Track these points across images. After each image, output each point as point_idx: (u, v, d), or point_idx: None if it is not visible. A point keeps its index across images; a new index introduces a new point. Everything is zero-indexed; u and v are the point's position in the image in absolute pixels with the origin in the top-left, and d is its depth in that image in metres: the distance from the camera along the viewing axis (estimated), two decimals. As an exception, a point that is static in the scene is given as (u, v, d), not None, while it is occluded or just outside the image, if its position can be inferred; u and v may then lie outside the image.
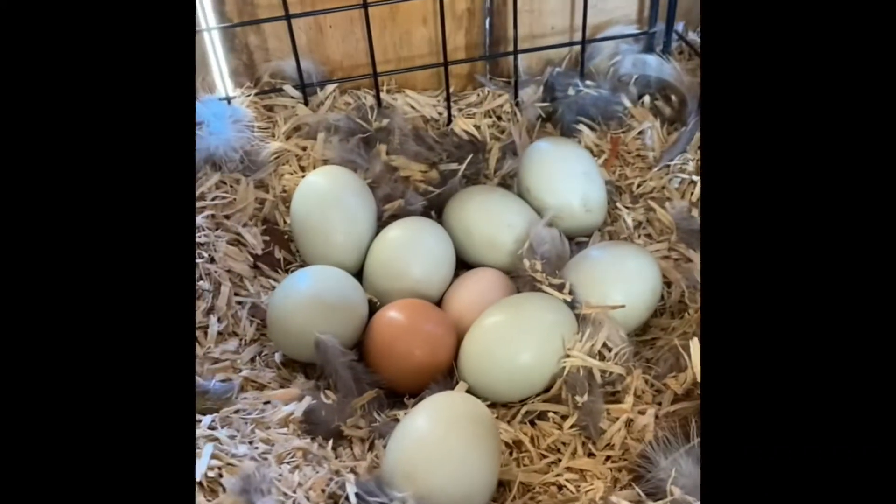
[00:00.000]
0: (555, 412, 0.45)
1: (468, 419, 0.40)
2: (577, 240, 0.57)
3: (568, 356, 0.45)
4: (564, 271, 0.50)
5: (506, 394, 0.46)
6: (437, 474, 0.37)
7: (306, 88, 0.60)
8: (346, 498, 0.36)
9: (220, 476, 0.36)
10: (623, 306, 0.47)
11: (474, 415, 0.40)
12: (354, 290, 0.50)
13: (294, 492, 0.36)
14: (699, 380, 0.44)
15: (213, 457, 0.37)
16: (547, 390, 0.46)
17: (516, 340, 0.46)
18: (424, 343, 0.46)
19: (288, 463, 0.39)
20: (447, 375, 0.47)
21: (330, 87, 0.62)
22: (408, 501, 0.35)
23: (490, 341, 0.46)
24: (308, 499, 0.36)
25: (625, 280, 0.49)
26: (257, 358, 0.49)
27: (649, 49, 0.66)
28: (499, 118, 0.65)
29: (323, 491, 0.37)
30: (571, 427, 0.44)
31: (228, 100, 0.59)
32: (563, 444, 0.44)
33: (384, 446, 0.41)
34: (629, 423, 0.44)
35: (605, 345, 0.46)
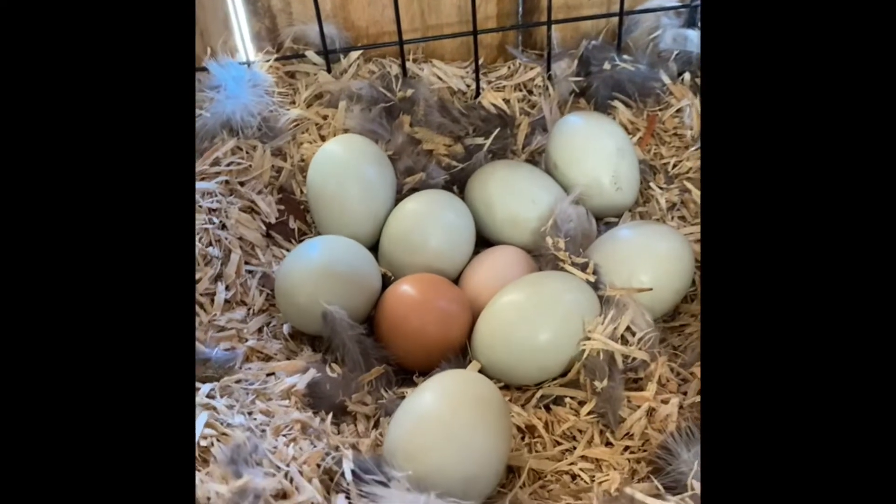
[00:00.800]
0: (572, 397, 0.43)
1: (476, 400, 0.37)
2: (606, 219, 0.54)
3: (588, 339, 0.42)
4: (590, 251, 0.48)
5: (521, 376, 0.44)
6: (439, 455, 0.35)
7: (329, 55, 0.58)
8: (342, 475, 0.34)
9: (212, 445, 0.34)
10: (650, 290, 0.44)
11: (483, 395, 0.38)
12: (367, 262, 0.48)
13: (287, 465, 0.34)
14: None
15: (208, 426, 0.35)
16: (564, 374, 0.44)
17: (533, 320, 0.43)
18: (437, 320, 0.44)
19: (285, 436, 0.37)
20: (460, 354, 0.44)
21: (354, 55, 0.59)
22: (405, 481, 0.33)
23: (506, 320, 0.43)
24: (301, 473, 0.34)
25: (654, 262, 0.46)
26: (265, 328, 0.47)
27: (691, 23, 0.63)
28: (530, 92, 0.62)
29: (318, 466, 0.35)
30: (589, 414, 0.42)
31: (248, 64, 0.57)
32: (580, 431, 0.42)
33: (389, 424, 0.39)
34: (651, 412, 0.41)
35: (628, 329, 0.43)
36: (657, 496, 0.34)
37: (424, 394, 0.38)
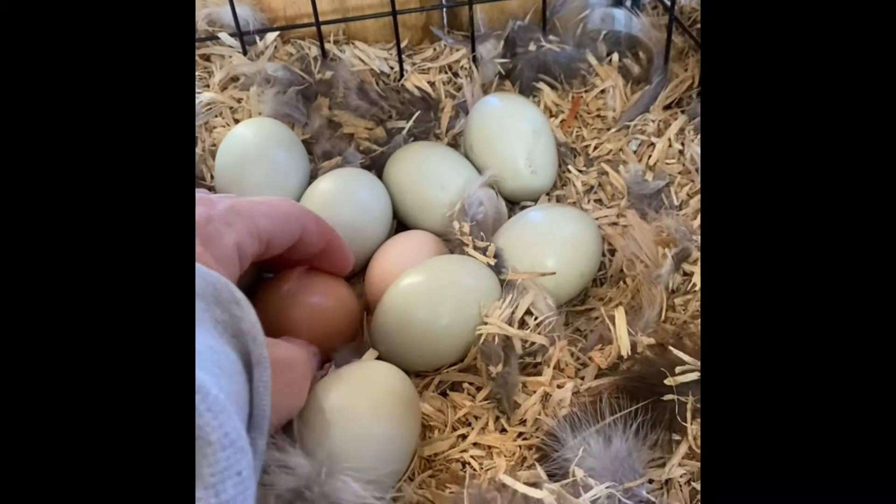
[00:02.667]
0: (470, 383, 0.42)
1: (387, 391, 0.37)
2: (522, 204, 0.53)
3: (485, 323, 0.42)
4: (498, 234, 0.47)
5: (418, 362, 0.43)
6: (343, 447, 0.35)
7: (245, 37, 0.57)
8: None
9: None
10: (553, 273, 0.44)
11: (394, 387, 0.37)
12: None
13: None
14: (624, 353, 0.40)
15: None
16: (464, 360, 0.43)
17: (431, 305, 0.42)
18: (309, 316, 0.42)
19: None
20: (352, 344, 0.43)
21: (270, 37, 0.58)
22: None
23: (402, 305, 0.42)
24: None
25: (559, 246, 0.45)
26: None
27: (618, 3, 0.62)
28: (455, 74, 0.61)
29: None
30: (485, 399, 0.41)
31: (160, 46, 0.56)
32: (476, 417, 0.41)
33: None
34: (546, 397, 0.40)
35: (529, 312, 0.43)
36: (533, 484, 0.34)
37: (329, 390, 0.37)
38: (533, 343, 0.42)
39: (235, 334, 0.28)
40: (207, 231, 0.34)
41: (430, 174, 0.50)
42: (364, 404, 0.36)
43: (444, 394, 0.42)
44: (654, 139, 0.54)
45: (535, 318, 0.42)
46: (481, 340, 0.41)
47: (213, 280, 0.29)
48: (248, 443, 0.24)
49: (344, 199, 0.49)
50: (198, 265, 0.28)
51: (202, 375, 0.23)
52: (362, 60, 0.60)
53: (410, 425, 0.37)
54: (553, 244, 0.45)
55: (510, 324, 0.41)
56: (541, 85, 0.59)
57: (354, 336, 0.44)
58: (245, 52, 0.58)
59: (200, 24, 0.58)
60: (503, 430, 0.40)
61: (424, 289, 0.43)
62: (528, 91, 0.59)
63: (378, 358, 0.42)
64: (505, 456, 0.38)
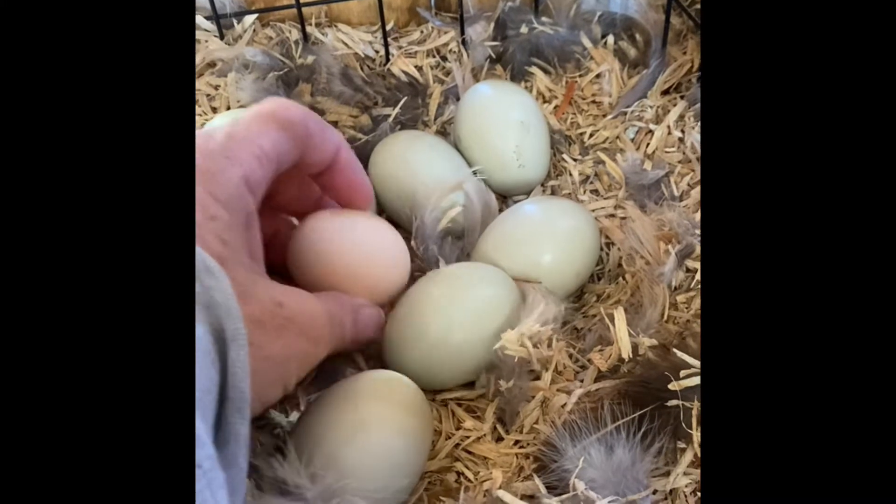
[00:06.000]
0: (470, 399, 0.40)
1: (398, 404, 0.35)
2: (514, 198, 0.50)
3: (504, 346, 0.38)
4: (488, 230, 0.44)
5: (434, 379, 0.39)
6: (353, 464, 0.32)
7: (221, 20, 0.54)
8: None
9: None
10: (539, 283, 0.41)
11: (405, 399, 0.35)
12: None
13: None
14: (625, 355, 0.38)
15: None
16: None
17: (448, 317, 0.39)
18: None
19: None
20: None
21: (249, 20, 0.55)
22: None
23: (417, 316, 0.39)
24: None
25: (556, 242, 0.43)
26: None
27: (614, -19, 0.59)
28: (443, 58, 0.58)
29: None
30: (493, 414, 0.39)
31: (131, 31, 0.53)
32: (470, 429, 0.39)
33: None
34: (545, 402, 0.38)
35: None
36: (531, 497, 0.32)
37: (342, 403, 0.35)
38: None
39: (208, 305, 0.26)
40: (207, 167, 0.31)
41: (416, 167, 0.48)
42: (381, 418, 0.34)
43: (444, 403, 0.40)
44: (652, 126, 0.51)
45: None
46: (498, 357, 0.38)
47: None
48: (207, 432, 0.22)
49: None
50: None
51: None
52: (346, 44, 0.57)
53: (425, 439, 0.35)
54: (549, 240, 0.43)
55: (525, 344, 0.38)
56: (533, 69, 0.57)
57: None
58: (222, 37, 0.55)
59: (174, 7, 0.55)
60: (500, 439, 0.38)
61: (442, 301, 0.40)
62: (520, 76, 0.57)
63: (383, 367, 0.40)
64: (501, 466, 0.36)
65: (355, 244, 0.38)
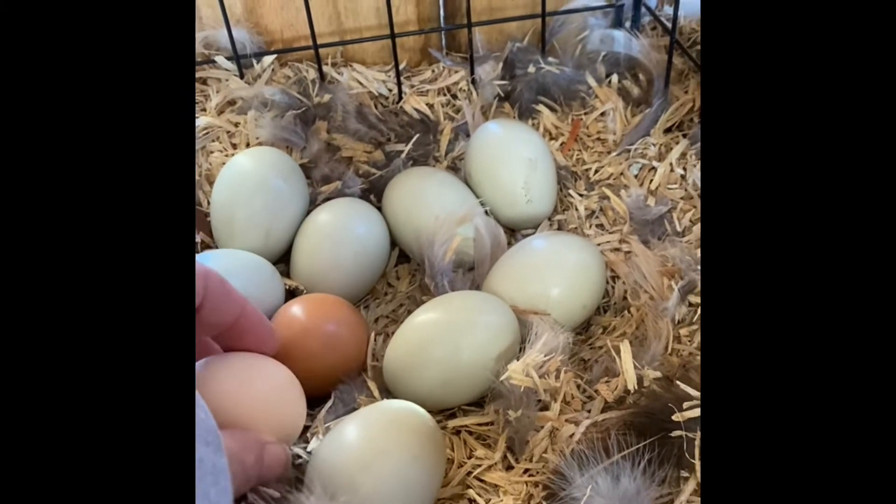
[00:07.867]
0: (479, 424, 0.41)
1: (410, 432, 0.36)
2: (523, 232, 0.52)
3: (510, 376, 0.40)
4: (498, 263, 0.46)
5: (434, 402, 0.41)
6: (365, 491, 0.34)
7: (242, 60, 0.56)
8: None
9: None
10: (548, 314, 0.43)
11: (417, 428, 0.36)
12: (266, 276, 0.46)
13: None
14: (630, 387, 0.39)
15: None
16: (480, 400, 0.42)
17: (447, 343, 0.41)
18: (323, 345, 0.42)
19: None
20: (358, 376, 0.43)
21: (268, 60, 0.58)
22: None
23: (417, 343, 0.41)
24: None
25: (564, 275, 0.45)
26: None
27: (618, 24, 0.61)
28: (454, 96, 0.60)
29: None
30: (503, 444, 0.40)
31: (156, 71, 0.55)
32: (481, 458, 0.40)
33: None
34: (554, 432, 0.40)
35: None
36: (542, 526, 0.33)
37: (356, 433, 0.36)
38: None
39: None
40: None
41: (427, 202, 0.50)
42: (397, 447, 0.36)
43: (457, 431, 0.41)
44: (655, 163, 0.53)
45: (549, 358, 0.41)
46: (502, 386, 0.40)
47: None
48: None
49: (341, 234, 0.48)
50: None
51: None
52: (360, 83, 0.60)
53: (439, 467, 0.37)
54: (557, 274, 0.45)
55: (531, 375, 0.40)
56: (540, 107, 0.59)
57: (363, 366, 0.44)
58: (242, 76, 0.57)
59: (197, 48, 0.57)
60: (510, 467, 0.39)
61: (441, 327, 0.42)
62: (527, 113, 0.59)
63: (388, 396, 0.41)
64: (512, 494, 0.38)
65: (253, 385, 0.38)
